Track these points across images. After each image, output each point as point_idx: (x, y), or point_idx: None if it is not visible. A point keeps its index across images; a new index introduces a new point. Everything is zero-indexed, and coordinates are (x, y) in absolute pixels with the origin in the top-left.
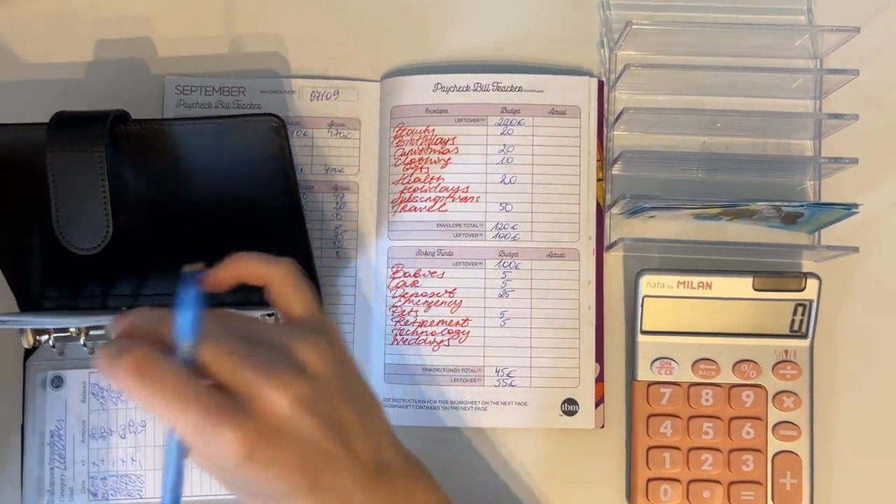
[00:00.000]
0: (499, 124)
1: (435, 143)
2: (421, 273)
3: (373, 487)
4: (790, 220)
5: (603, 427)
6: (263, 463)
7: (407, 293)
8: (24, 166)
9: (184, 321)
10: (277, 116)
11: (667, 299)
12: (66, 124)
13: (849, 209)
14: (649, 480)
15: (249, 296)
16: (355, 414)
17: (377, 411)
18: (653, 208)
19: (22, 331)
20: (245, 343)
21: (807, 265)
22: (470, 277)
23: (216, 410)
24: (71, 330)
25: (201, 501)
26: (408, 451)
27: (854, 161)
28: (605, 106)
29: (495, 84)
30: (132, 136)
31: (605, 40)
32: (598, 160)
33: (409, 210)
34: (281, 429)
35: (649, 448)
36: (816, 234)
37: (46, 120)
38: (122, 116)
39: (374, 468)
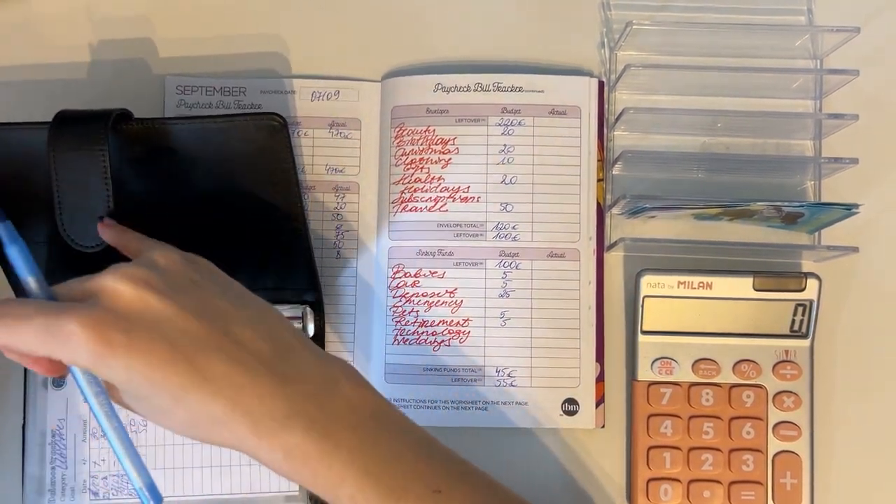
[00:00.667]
0: (499, 124)
1: (435, 144)
2: (421, 273)
3: (279, 380)
4: (790, 220)
5: (603, 427)
6: (126, 349)
7: (407, 293)
8: (27, 166)
9: (15, 258)
10: (279, 115)
11: (667, 299)
12: (69, 123)
13: (849, 209)
14: (650, 480)
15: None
16: (230, 304)
17: (266, 308)
18: (653, 208)
19: None
20: None
21: (807, 265)
22: (470, 277)
23: (59, 310)
24: None
25: (203, 501)
26: (325, 353)
27: (854, 161)
28: (606, 106)
29: (496, 84)
30: (134, 134)
31: (605, 40)
32: (598, 160)
33: (410, 210)
34: (131, 312)
35: (649, 448)
36: (816, 234)
37: (47, 119)
38: (124, 115)
39: (276, 359)
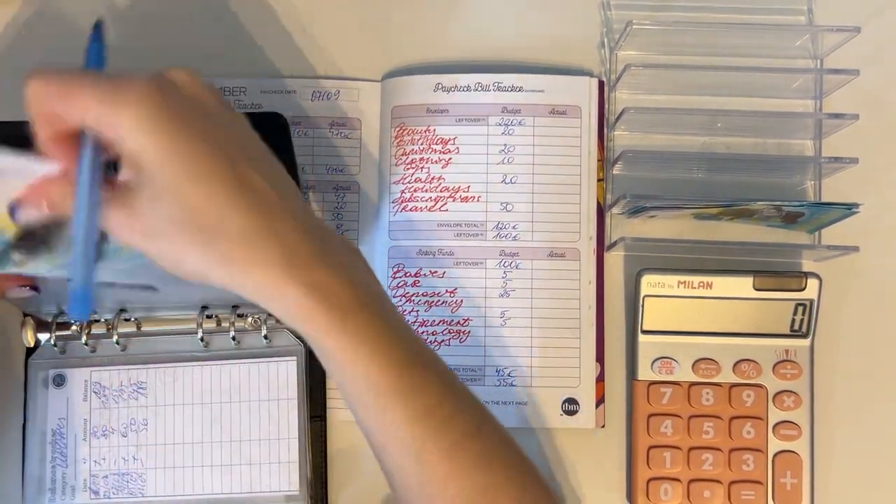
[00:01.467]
0: (499, 124)
1: (436, 143)
2: (422, 273)
3: (303, 222)
4: (790, 220)
5: (603, 427)
6: (179, 115)
7: (408, 293)
8: None
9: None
10: (281, 115)
11: (667, 299)
12: None
13: (849, 209)
14: (650, 480)
15: None
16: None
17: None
18: (653, 208)
19: (24, 328)
20: None
21: (807, 265)
22: (470, 277)
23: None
24: (73, 328)
25: (203, 501)
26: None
27: (854, 161)
28: (606, 106)
29: (496, 84)
30: None
31: (605, 40)
32: (598, 160)
33: (410, 210)
34: (188, 95)
35: (650, 448)
36: (816, 233)
37: None
38: None
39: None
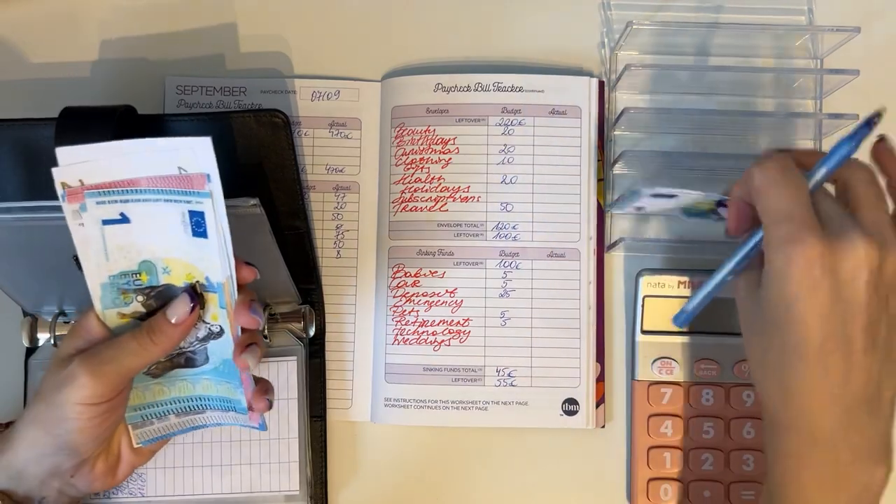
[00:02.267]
0: (499, 124)
1: (436, 143)
2: (422, 273)
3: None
4: None
5: (603, 427)
6: (803, 289)
7: (408, 293)
8: (33, 161)
9: (839, 156)
10: (282, 112)
11: (667, 299)
12: (75, 118)
13: None
14: (650, 480)
15: None
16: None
17: None
18: (648, 196)
19: (23, 329)
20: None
21: None
22: (471, 277)
23: (807, 225)
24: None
25: (203, 501)
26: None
27: None
28: (606, 106)
29: (496, 84)
30: (138, 131)
31: (605, 40)
32: (598, 160)
33: (410, 210)
34: (841, 277)
35: (650, 448)
36: None
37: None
38: (129, 111)
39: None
